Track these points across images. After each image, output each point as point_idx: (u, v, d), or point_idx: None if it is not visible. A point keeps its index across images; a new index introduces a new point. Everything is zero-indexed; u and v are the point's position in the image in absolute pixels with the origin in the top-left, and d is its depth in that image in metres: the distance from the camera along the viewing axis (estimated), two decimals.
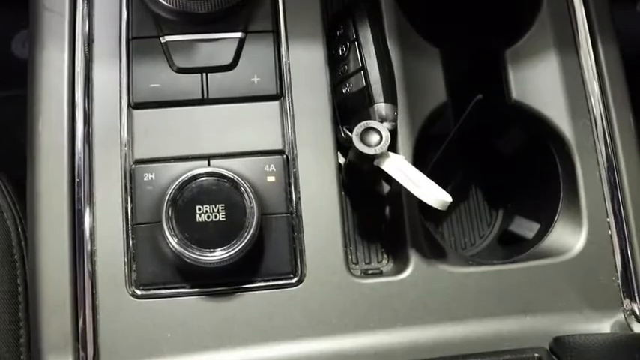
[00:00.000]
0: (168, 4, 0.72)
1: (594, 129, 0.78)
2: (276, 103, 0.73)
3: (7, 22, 1.38)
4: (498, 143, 0.91)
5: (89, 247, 0.68)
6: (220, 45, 0.73)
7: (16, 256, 0.79)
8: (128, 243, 0.68)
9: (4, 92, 1.24)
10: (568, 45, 0.81)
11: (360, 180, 0.76)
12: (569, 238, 0.77)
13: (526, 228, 0.86)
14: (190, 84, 0.72)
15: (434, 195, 0.65)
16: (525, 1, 0.84)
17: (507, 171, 0.93)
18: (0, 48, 1.35)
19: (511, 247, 0.88)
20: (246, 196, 0.66)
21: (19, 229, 0.81)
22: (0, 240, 0.80)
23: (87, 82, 0.72)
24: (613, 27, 0.83)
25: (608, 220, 0.76)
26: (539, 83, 0.81)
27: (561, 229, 0.79)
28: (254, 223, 0.65)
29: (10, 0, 1.37)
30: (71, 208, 0.68)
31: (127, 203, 0.69)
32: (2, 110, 1.24)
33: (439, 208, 0.66)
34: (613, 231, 0.76)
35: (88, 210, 0.69)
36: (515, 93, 0.81)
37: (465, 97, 0.84)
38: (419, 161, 0.73)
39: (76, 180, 0.69)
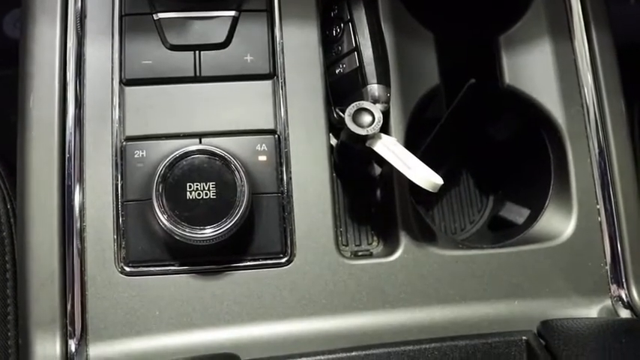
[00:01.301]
0: None
1: (586, 116, 0.79)
2: (268, 83, 0.73)
3: None
4: (490, 129, 0.91)
5: (78, 224, 0.68)
6: (214, 23, 0.72)
7: (4, 234, 0.78)
8: (118, 220, 0.68)
9: None
10: (562, 32, 0.81)
11: (352, 161, 0.76)
12: (559, 224, 0.77)
13: (516, 213, 0.87)
14: (183, 61, 0.72)
15: (425, 176, 0.65)
16: None
17: (499, 157, 0.93)
18: None
19: (501, 232, 0.88)
20: (237, 174, 0.65)
21: (8, 207, 0.81)
22: None
23: (79, 59, 0.71)
24: (607, 15, 0.83)
25: (598, 206, 0.76)
26: (532, 69, 0.81)
27: (551, 215, 0.79)
28: (244, 201, 0.65)
29: None
30: (61, 185, 0.68)
31: (117, 180, 0.69)
32: None
33: (430, 190, 0.66)
34: (602, 218, 0.76)
35: (77, 186, 0.68)
36: (508, 78, 0.81)
37: (458, 82, 0.84)
38: (411, 145, 0.73)
39: (67, 156, 0.69)
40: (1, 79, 1.20)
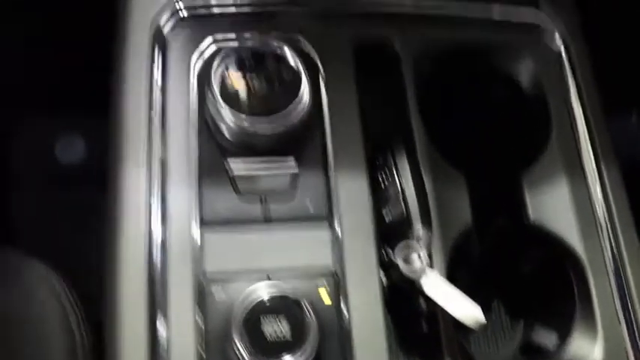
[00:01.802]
0: (230, 139, 0.82)
1: (603, 245, 0.86)
2: (326, 225, 0.81)
3: (50, 127, 1.44)
4: (518, 262, 0.97)
5: (164, 358, 0.72)
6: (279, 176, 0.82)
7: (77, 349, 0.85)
8: (200, 355, 0.73)
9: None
10: (575, 168, 0.90)
11: (401, 298, 0.82)
12: (586, 349, 0.83)
13: (546, 339, 0.91)
14: (252, 207, 0.81)
15: (469, 314, 0.72)
16: (538, 129, 0.94)
17: (527, 286, 0.99)
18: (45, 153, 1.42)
19: (533, 358, 0.93)
20: (307, 314, 0.72)
21: (82, 332, 0.88)
22: (65, 343, 0.86)
23: (162, 202, 0.79)
24: (613, 150, 0.92)
25: (621, 331, 0.82)
26: (553, 205, 0.88)
27: (579, 342, 0.85)
28: (314, 337, 0.71)
29: (51, 105, 1.43)
30: (149, 320, 0.73)
31: (197, 316, 0.74)
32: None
33: (473, 327, 0.72)
34: (627, 342, 0.82)
35: (163, 321, 0.74)
36: (533, 215, 0.89)
37: (488, 219, 0.92)
38: (451, 280, 0.79)
39: (155, 296, 0.75)
40: (60, 201, 1.29)
